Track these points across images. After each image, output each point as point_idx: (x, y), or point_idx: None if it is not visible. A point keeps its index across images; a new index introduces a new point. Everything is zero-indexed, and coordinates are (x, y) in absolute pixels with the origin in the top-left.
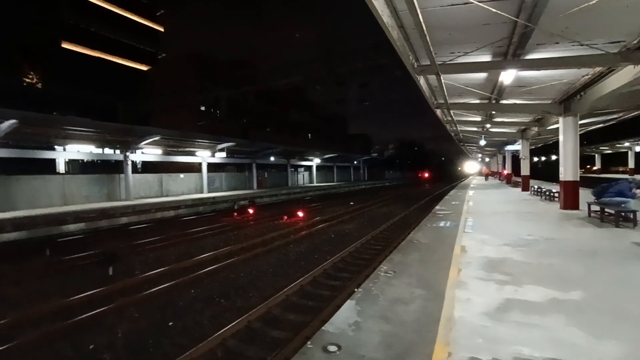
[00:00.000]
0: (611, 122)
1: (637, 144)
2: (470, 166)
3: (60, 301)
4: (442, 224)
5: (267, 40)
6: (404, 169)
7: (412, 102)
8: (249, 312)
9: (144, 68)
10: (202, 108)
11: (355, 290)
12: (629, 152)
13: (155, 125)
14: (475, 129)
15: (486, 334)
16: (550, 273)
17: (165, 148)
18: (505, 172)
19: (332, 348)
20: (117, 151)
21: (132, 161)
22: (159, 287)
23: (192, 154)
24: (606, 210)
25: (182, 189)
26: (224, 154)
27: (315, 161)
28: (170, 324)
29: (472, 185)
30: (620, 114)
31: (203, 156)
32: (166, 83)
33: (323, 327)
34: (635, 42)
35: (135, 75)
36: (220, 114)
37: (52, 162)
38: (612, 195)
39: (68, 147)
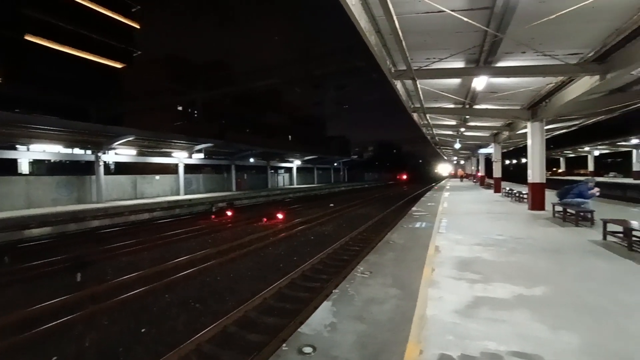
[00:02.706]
0: (573, 128)
1: (596, 149)
2: (446, 168)
3: (20, 311)
4: (417, 224)
5: (243, 43)
6: (383, 170)
7: (390, 104)
8: (225, 317)
9: (119, 65)
10: (180, 108)
11: (333, 291)
12: (589, 156)
13: (130, 126)
14: (450, 132)
15: (456, 330)
16: (517, 271)
17: (140, 149)
18: (479, 174)
19: (307, 349)
20: (89, 152)
21: (105, 162)
22: (132, 293)
23: (168, 155)
24: (568, 210)
25: (158, 191)
26: (201, 155)
27: (296, 163)
28: (143, 330)
29: (447, 187)
30: (581, 120)
31: (180, 157)
32: (141, 85)
33: (299, 329)
34: (590, 54)
35: (109, 77)
36: (197, 116)
37: (14, 162)
38: (573, 196)
39: (32, 146)
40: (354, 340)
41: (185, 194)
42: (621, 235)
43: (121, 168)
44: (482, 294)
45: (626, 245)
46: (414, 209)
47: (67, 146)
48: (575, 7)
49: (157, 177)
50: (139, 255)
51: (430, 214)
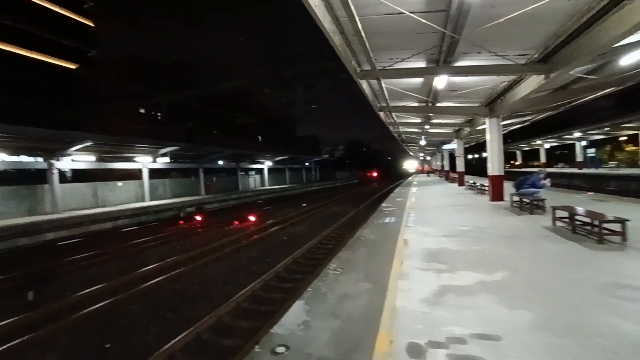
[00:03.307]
0: (527, 123)
1: (546, 142)
2: (414, 164)
3: None
4: (387, 220)
5: (211, 43)
6: (354, 168)
7: (360, 104)
8: (198, 323)
9: (72, 66)
10: (142, 111)
11: (307, 289)
12: (541, 149)
13: (92, 131)
14: (416, 130)
15: (425, 319)
16: (480, 258)
17: (100, 154)
18: (445, 169)
19: (281, 349)
20: (40, 159)
21: (60, 170)
22: (96, 307)
23: (131, 159)
24: (523, 199)
25: (122, 198)
26: (167, 159)
27: (267, 164)
28: (108, 346)
29: (414, 183)
30: (533, 116)
31: (143, 162)
32: (103, 87)
33: (272, 330)
34: (536, 55)
35: (66, 79)
36: (162, 118)
37: None
38: (528, 186)
39: None
40: (328, 337)
41: (151, 199)
42: (567, 220)
43: (80, 175)
44: (449, 283)
45: (571, 228)
46: (383, 204)
47: (12, 153)
48: (519, 12)
49: (120, 183)
50: (103, 266)
51: (399, 209)
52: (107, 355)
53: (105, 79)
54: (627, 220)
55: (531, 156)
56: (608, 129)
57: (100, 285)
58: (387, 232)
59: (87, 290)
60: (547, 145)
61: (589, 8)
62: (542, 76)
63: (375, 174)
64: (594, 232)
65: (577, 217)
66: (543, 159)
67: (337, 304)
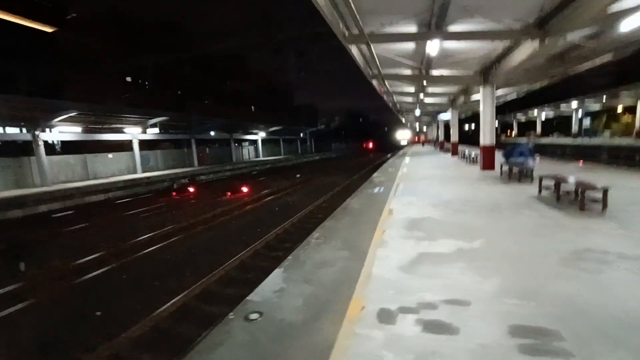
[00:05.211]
0: (523, 94)
1: (543, 112)
2: (409, 135)
3: None
4: (376, 190)
5: (194, 3)
6: (350, 139)
7: (356, 72)
8: (184, 292)
9: (48, 29)
10: (129, 79)
11: (287, 258)
12: (537, 120)
13: (71, 97)
14: (410, 99)
15: (398, 286)
16: (460, 227)
17: (87, 125)
18: (439, 140)
19: (254, 316)
20: (25, 130)
21: (46, 141)
22: (85, 277)
23: (119, 130)
24: (512, 169)
25: (112, 170)
26: (157, 130)
27: (261, 135)
28: (99, 313)
29: (409, 154)
30: (529, 86)
31: (133, 133)
32: (82, 48)
33: (247, 297)
34: (531, 20)
35: (40, 40)
36: (149, 85)
37: None
38: (517, 155)
39: None
40: (301, 302)
41: (143, 171)
42: (553, 188)
43: (70, 147)
44: (426, 250)
45: (556, 197)
46: (375, 175)
47: None
48: None
49: (110, 155)
50: (94, 237)
51: (389, 180)
52: (95, 322)
53: (84, 39)
54: (608, 188)
55: (528, 127)
56: (604, 99)
57: (90, 257)
58: (375, 201)
59: (77, 261)
60: (543, 117)
61: None
62: (537, 42)
63: (371, 145)
64: (577, 200)
65: (562, 186)
66: (539, 129)
67: (314, 271)
